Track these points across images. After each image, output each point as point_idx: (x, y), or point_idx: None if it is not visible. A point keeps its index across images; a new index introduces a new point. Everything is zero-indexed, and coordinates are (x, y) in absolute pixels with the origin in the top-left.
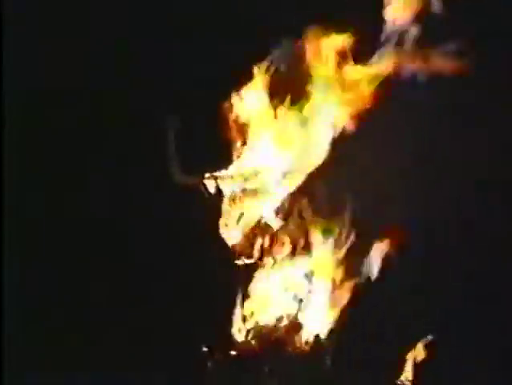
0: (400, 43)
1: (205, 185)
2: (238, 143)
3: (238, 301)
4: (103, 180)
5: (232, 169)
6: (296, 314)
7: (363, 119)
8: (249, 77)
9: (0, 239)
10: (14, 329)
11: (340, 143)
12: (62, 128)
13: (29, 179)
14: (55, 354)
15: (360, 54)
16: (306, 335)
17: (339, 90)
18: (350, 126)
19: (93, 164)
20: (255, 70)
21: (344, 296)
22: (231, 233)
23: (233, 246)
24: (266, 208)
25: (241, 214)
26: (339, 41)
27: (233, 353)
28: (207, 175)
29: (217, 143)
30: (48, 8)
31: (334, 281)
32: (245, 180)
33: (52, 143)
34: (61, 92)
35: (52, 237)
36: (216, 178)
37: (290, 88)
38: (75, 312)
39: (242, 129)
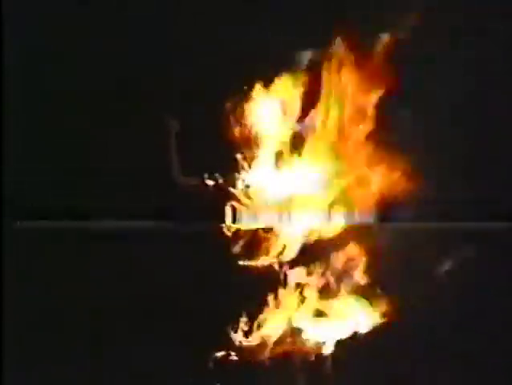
0: None
1: (206, 186)
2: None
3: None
4: (102, 181)
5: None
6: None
7: None
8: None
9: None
10: (14, 328)
11: None
12: (62, 129)
13: (28, 178)
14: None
15: None
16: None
17: None
18: None
19: (93, 164)
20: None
21: None
22: (235, 234)
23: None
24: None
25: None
26: None
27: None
28: (207, 176)
29: (219, 145)
30: (48, 8)
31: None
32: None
33: (51, 145)
34: (60, 92)
35: (52, 237)
36: (217, 180)
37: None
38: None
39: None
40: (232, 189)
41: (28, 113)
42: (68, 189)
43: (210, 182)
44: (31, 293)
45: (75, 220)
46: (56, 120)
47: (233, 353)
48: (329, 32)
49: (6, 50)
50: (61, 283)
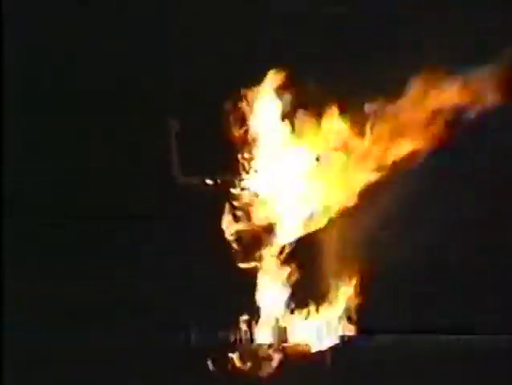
0: None
1: (207, 186)
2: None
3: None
4: (103, 181)
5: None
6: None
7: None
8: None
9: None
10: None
11: None
12: (62, 129)
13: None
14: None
15: None
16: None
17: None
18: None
19: (93, 164)
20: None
21: None
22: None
23: (237, 249)
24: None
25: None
26: None
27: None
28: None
29: (220, 145)
30: (48, 8)
31: None
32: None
33: (51, 145)
34: (60, 92)
35: (51, 237)
36: (217, 182)
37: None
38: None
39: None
40: (232, 189)
41: (28, 113)
42: (68, 189)
43: (210, 182)
44: (31, 293)
45: (75, 220)
46: (56, 120)
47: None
48: (329, 32)
49: (6, 50)
50: (61, 282)
